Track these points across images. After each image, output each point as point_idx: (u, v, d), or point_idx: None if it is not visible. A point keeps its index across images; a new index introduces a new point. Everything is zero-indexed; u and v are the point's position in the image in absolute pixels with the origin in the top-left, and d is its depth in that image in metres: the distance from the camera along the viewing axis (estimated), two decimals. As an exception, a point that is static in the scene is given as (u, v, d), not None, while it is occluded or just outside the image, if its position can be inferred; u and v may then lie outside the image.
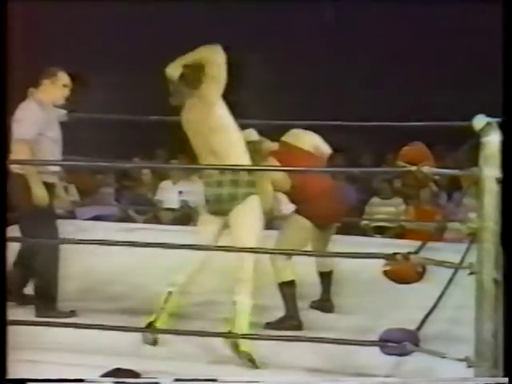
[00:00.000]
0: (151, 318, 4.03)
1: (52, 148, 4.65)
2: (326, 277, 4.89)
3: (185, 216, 8.09)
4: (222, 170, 4.18)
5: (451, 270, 4.03)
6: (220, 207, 4.15)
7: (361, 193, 8.66)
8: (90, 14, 9.88)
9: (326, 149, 4.93)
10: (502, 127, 3.19)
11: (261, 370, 3.73)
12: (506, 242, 3.15)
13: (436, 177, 7.31)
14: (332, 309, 4.84)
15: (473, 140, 3.65)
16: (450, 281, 4.12)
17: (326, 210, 4.65)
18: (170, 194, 8.58)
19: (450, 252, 4.29)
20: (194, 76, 4.22)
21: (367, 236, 7.69)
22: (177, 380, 3.21)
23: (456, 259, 3.89)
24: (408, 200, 8.19)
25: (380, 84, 10.25)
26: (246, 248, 4.20)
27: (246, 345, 3.79)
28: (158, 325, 4.02)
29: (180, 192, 8.49)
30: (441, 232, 6.92)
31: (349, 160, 9.28)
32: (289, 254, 4.56)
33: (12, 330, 3.14)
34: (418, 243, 4.47)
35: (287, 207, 4.75)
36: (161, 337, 4.00)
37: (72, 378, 3.20)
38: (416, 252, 3.71)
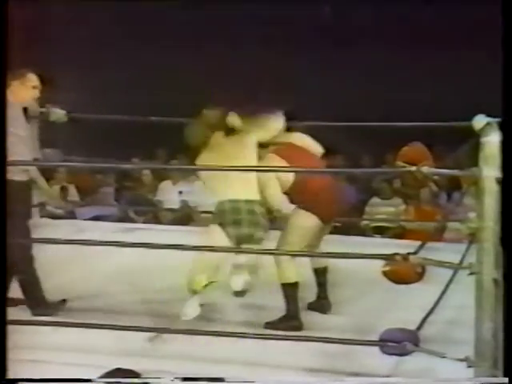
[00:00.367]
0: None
1: (20, 147, 4.64)
2: (321, 274, 4.88)
3: (185, 216, 8.10)
4: (222, 170, 4.19)
5: (451, 271, 4.03)
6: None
7: (361, 193, 8.70)
8: (90, 13, 9.88)
9: (318, 149, 4.98)
10: (502, 127, 3.19)
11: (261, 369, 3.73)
12: (506, 242, 3.15)
13: (436, 177, 7.31)
14: (329, 308, 4.83)
15: (473, 140, 3.65)
16: (450, 281, 4.13)
17: (329, 203, 4.67)
18: (169, 194, 8.58)
19: (449, 252, 4.30)
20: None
21: (367, 236, 7.69)
22: (184, 379, 3.21)
23: (456, 259, 3.90)
24: (408, 200, 8.19)
25: (380, 84, 10.25)
26: (243, 249, 4.23)
27: None
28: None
29: (180, 192, 8.49)
30: (440, 232, 6.92)
31: (349, 160, 9.29)
32: (288, 254, 4.56)
33: (12, 330, 3.14)
34: (417, 243, 4.48)
35: (288, 207, 4.75)
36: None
37: (72, 377, 3.20)
38: (415, 252, 3.72)
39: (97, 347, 3.82)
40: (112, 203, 8.83)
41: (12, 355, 3.09)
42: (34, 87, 4.81)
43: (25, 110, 4.80)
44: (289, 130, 5.00)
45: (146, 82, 10.76)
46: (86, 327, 3.88)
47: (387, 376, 3.61)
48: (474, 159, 3.26)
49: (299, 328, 4.43)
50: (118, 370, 3.47)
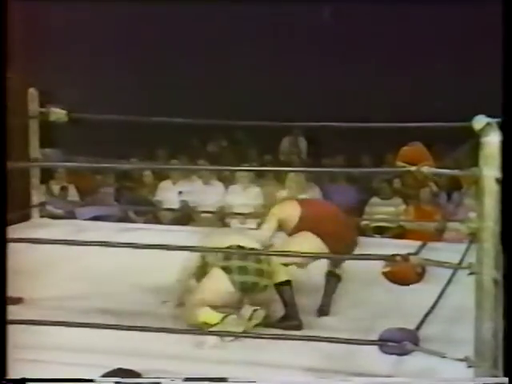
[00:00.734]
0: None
1: None
2: (333, 279, 4.85)
3: (185, 216, 8.10)
4: (222, 170, 4.20)
5: (451, 271, 4.04)
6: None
7: (361, 193, 8.70)
8: (91, 14, 9.88)
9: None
10: (502, 127, 3.19)
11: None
12: (506, 242, 3.15)
13: (436, 177, 7.31)
14: (328, 313, 4.81)
15: (473, 140, 3.66)
16: (449, 281, 4.13)
17: (335, 232, 4.67)
18: (169, 194, 8.58)
19: (449, 252, 4.30)
20: None
21: (367, 236, 7.69)
22: (187, 379, 3.21)
23: (456, 259, 3.90)
24: (408, 200, 8.19)
25: (380, 84, 10.25)
26: (237, 249, 4.23)
27: None
28: None
29: (180, 192, 8.49)
30: (440, 232, 6.92)
31: (349, 160, 9.30)
32: (287, 255, 4.56)
33: (12, 330, 3.14)
34: (417, 243, 4.48)
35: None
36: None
37: (73, 377, 3.20)
38: (416, 253, 3.72)
39: (97, 347, 3.82)
40: (112, 203, 8.83)
41: (12, 355, 3.09)
42: None
43: None
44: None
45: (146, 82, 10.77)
46: (86, 327, 3.88)
47: (387, 376, 3.61)
48: (473, 159, 3.26)
49: (299, 327, 4.43)
50: (119, 369, 3.48)
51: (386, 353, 3.72)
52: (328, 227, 4.61)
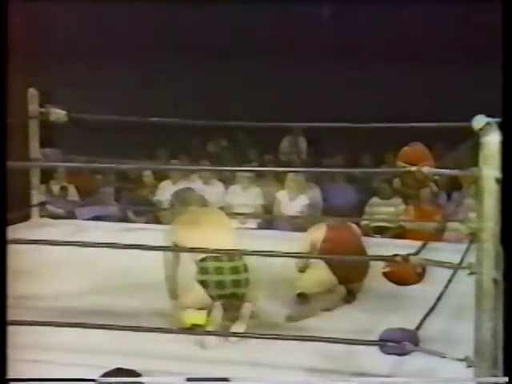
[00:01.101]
0: None
1: None
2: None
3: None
4: (222, 170, 4.20)
5: (451, 271, 4.04)
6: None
7: (361, 193, 8.71)
8: (91, 14, 9.88)
9: None
10: (502, 127, 3.19)
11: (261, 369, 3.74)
12: (506, 242, 3.15)
13: (436, 177, 7.31)
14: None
15: (472, 140, 3.65)
16: (449, 281, 4.13)
17: (350, 266, 4.79)
18: (169, 194, 8.56)
19: (449, 252, 4.30)
20: None
21: (367, 236, 7.68)
22: (188, 380, 3.21)
23: (456, 259, 3.90)
24: (408, 200, 8.19)
25: (380, 84, 10.25)
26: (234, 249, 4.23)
27: None
28: None
29: (180, 192, 8.47)
30: (440, 232, 6.92)
31: (349, 160, 9.30)
32: (286, 256, 4.56)
33: (12, 330, 3.14)
34: (417, 243, 4.47)
35: None
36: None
37: (73, 378, 3.20)
38: (416, 253, 3.72)
39: (97, 347, 3.82)
40: (112, 203, 8.83)
41: (12, 355, 3.09)
42: None
43: None
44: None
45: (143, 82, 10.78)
46: (86, 327, 3.88)
47: (387, 376, 3.61)
48: (473, 159, 3.26)
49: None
50: (119, 369, 3.48)
51: (386, 353, 3.72)
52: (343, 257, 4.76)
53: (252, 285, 4.36)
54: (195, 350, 3.98)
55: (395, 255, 3.68)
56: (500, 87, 3.16)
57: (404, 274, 4.89)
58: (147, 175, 9.01)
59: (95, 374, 3.35)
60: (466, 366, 3.24)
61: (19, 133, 5.95)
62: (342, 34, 10.41)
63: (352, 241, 5.02)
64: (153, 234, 5.65)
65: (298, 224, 7.75)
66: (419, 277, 4.94)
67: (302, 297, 4.81)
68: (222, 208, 8.19)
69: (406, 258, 3.62)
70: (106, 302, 4.74)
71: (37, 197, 6.65)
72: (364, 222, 8.01)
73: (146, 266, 4.78)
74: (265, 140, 9.39)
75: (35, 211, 6.61)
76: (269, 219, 8.21)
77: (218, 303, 4.24)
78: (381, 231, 7.97)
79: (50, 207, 7.62)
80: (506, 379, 3.08)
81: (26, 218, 6.44)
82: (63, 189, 8.73)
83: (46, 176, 8.02)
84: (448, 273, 4.14)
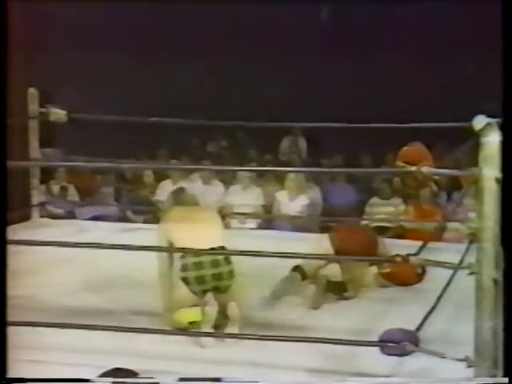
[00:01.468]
0: None
1: None
2: None
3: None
4: (222, 170, 4.19)
5: (451, 271, 4.03)
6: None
7: (360, 193, 8.71)
8: (91, 14, 9.89)
9: None
10: (502, 127, 3.19)
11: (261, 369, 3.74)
12: (506, 242, 3.15)
13: (436, 177, 7.31)
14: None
15: (472, 140, 3.65)
16: (449, 281, 4.13)
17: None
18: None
19: (449, 252, 4.30)
20: None
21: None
22: (181, 380, 3.21)
23: (456, 259, 3.90)
24: (408, 200, 8.19)
25: (380, 84, 10.26)
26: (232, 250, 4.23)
27: None
28: None
29: (179, 192, 8.47)
30: (440, 232, 6.92)
31: (349, 160, 9.30)
32: (287, 257, 4.56)
33: (12, 330, 3.14)
34: (417, 243, 4.47)
35: None
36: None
37: (73, 377, 3.20)
38: (416, 253, 3.72)
39: (96, 347, 3.82)
40: (112, 203, 8.83)
41: (12, 355, 3.09)
42: None
43: None
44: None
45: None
46: (86, 328, 3.88)
47: (387, 376, 3.61)
48: (473, 159, 3.26)
49: None
50: (117, 369, 3.47)
51: (387, 353, 3.72)
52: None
53: (237, 277, 4.32)
54: (194, 349, 3.98)
55: (395, 255, 3.68)
56: (500, 87, 3.16)
57: (404, 274, 4.91)
58: (147, 175, 9.01)
59: (95, 374, 3.35)
60: (466, 366, 3.24)
61: (19, 133, 5.95)
62: (341, 33, 10.42)
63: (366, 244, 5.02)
64: (152, 233, 5.66)
65: (298, 224, 7.77)
66: (419, 277, 4.96)
67: (299, 271, 4.82)
68: (222, 208, 8.22)
69: (405, 258, 3.62)
70: (106, 301, 4.74)
71: (37, 197, 6.65)
72: (364, 222, 8.01)
73: (145, 266, 4.77)
74: (265, 140, 9.39)
75: (35, 211, 6.61)
76: (269, 219, 8.21)
77: (210, 296, 4.21)
78: (381, 231, 7.96)
79: (49, 207, 7.62)
80: (506, 379, 3.09)
81: (26, 218, 6.44)
82: (63, 189, 8.73)
83: (46, 176, 8.02)
84: (448, 273, 4.14)
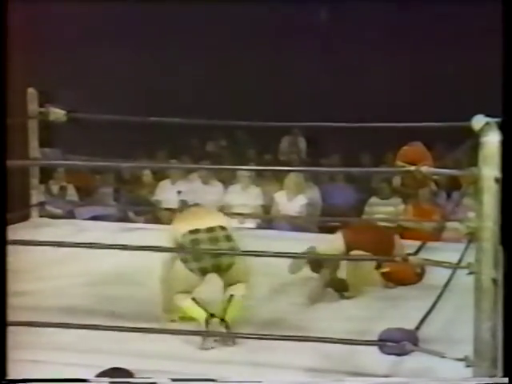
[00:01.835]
0: None
1: None
2: None
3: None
4: (221, 169, 4.20)
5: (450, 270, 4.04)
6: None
7: (360, 193, 8.71)
8: (91, 14, 9.88)
9: None
10: (502, 127, 3.19)
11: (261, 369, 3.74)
12: (506, 242, 3.15)
13: (435, 176, 7.31)
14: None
15: (472, 140, 3.66)
16: (448, 281, 4.13)
17: None
18: (168, 194, 8.57)
19: (448, 252, 4.30)
20: None
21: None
22: (174, 380, 3.20)
23: (455, 259, 3.90)
24: (407, 200, 8.19)
25: (380, 84, 10.25)
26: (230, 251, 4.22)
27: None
28: None
29: (179, 192, 8.48)
30: (440, 232, 6.92)
31: (348, 160, 9.30)
32: (286, 256, 4.56)
33: (12, 331, 3.14)
34: (417, 243, 4.49)
35: None
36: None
37: (72, 378, 3.20)
38: (415, 253, 3.72)
39: (96, 347, 3.82)
40: (111, 203, 8.82)
41: (12, 355, 3.09)
42: None
43: None
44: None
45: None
46: (86, 328, 3.88)
47: (386, 376, 3.61)
48: (473, 159, 3.26)
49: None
50: (113, 369, 3.47)
51: (386, 353, 3.72)
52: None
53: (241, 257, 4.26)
54: (192, 349, 3.98)
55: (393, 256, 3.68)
56: (500, 87, 3.16)
57: (403, 274, 4.91)
58: (146, 175, 9.01)
59: (93, 374, 3.35)
60: (465, 366, 3.24)
61: (19, 132, 5.94)
62: (341, 33, 10.42)
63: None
64: (152, 233, 5.66)
65: (297, 224, 7.77)
66: (418, 277, 4.96)
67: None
68: (221, 208, 8.22)
69: (405, 257, 3.62)
70: (106, 301, 4.74)
71: (36, 197, 6.65)
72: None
73: (145, 266, 4.78)
74: (264, 140, 9.39)
75: (35, 211, 6.61)
76: (268, 219, 8.21)
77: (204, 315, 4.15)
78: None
79: (49, 207, 7.61)
80: (506, 379, 3.09)
81: (25, 217, 6.44)
82: (62, 189, 8.73)
83: (46, 176, 8.02)
84: (447, 272, 4.14)
